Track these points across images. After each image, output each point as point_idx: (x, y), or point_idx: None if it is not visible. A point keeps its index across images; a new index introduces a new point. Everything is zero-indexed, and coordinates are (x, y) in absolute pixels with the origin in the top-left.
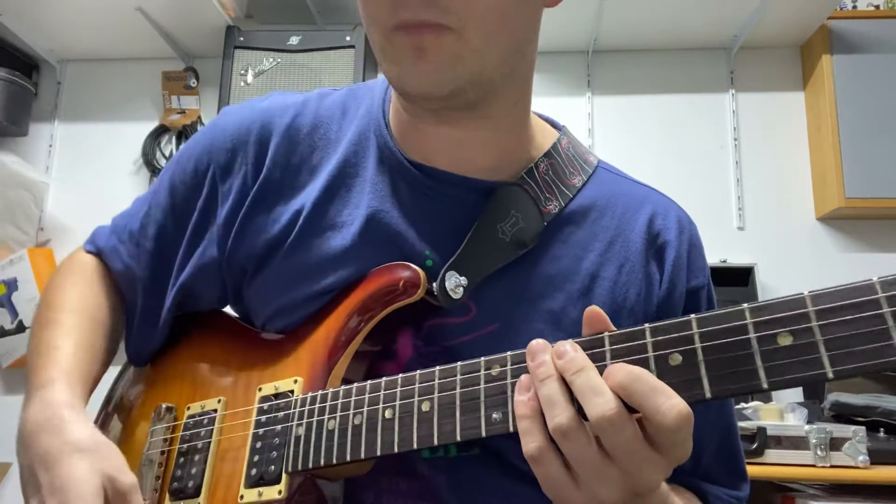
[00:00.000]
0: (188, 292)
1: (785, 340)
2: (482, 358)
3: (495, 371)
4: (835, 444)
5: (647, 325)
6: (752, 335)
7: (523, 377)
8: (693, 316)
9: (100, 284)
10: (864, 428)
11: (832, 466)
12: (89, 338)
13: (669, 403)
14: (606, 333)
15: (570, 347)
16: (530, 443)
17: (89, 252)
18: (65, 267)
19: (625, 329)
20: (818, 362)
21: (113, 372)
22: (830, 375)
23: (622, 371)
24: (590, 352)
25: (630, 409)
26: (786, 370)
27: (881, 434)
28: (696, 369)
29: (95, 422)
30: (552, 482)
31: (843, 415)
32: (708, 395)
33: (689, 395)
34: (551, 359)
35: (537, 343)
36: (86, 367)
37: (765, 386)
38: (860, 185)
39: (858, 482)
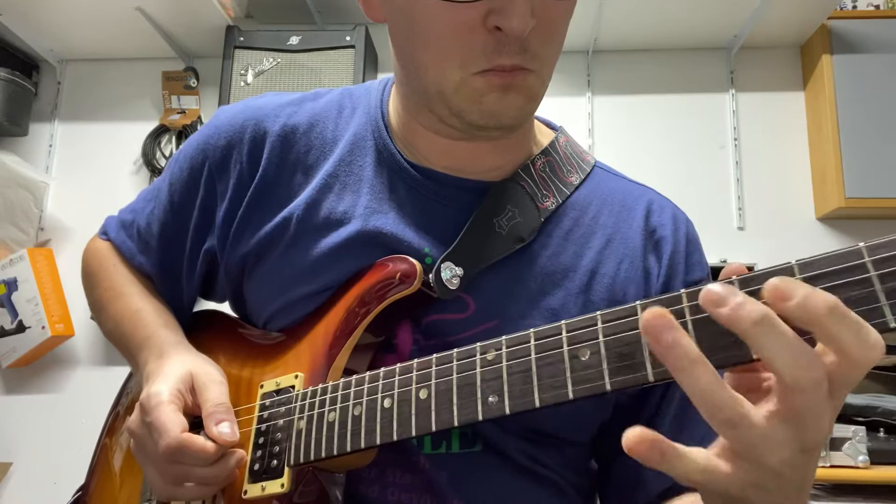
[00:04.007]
0: (205, 284)
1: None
2: (478, 343)
3: (491, 356)
4: (835, 444)
5: (637, 302)
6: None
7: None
8: (683, 291)
9: (130, 264)
10: (864, 428)
11: (832, 466)
12: (157, 298)
13: (875, 334)
14: (599, 313)
15: (734, 296)
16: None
17: (104, 240)
18: (95, 255)
19: (617, 307)
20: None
21: (121, 373)
22: None
23: (822, 302)
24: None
25: None
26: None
27: (881, 434)
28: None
29: (106, 421)
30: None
31: (843, 415)
32: None
33: None
34: (683, 337)
35: (656, 317)
36: (170, 318)
37: (755, 356)
38: (860, 185)
39: (858, 482)
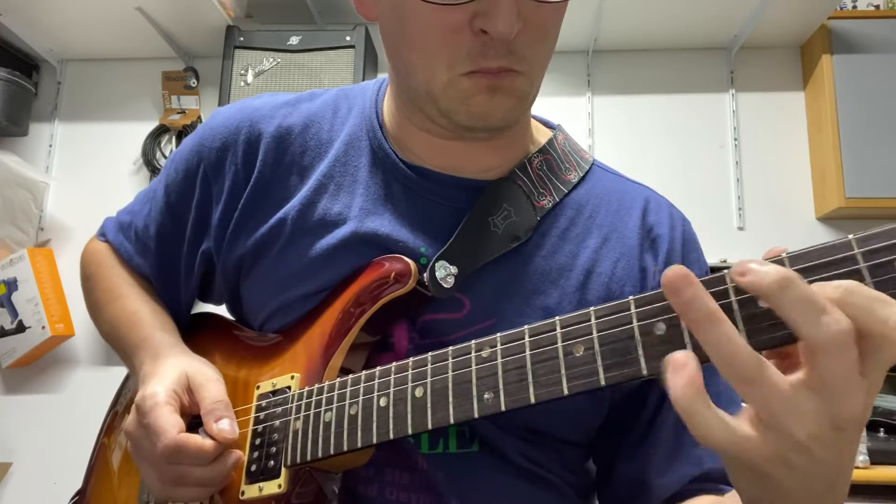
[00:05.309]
0: (203, 286)
1: (764, 303)
2: (473, 341)
3: (486, 353)
4: None
5: (631, 297)
6: (732, 299)
7: (678, 354)
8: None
9: (128, 266)
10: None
11: None
12: (154, 300)
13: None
14: (592, 309)
15: (756, 264)
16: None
17: (102, 241)
18: (94, 257)
19: (611, 303)
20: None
21: (121, 372)
22: None
23: (831, 286)
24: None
25: None
26: (764, 332)
27: (881, 434)
28: (681, 337)
29: (105, 420)
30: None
31: None
32: None
33: None
34: (702, 293)
35: (677, 273)
36: (167, 320)
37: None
38: (860, 185)
39: (858, 482)
